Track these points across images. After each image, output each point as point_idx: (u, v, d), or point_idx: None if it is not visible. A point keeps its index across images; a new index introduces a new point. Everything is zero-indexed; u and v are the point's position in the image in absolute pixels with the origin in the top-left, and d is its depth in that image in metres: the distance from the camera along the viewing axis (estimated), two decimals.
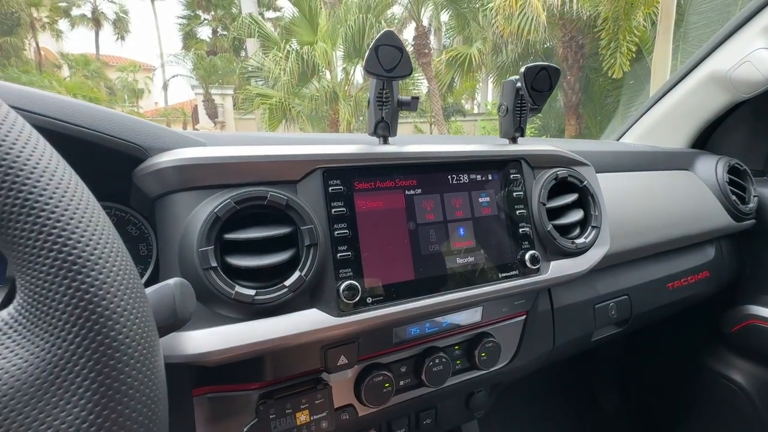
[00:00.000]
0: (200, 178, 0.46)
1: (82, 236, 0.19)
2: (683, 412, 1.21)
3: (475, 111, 16.59)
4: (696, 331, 1.16)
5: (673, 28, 5.93)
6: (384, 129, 0.57)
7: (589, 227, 0.67)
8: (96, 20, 19.60)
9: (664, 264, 0.91)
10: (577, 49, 9.41)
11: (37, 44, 16.67)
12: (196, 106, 15.30)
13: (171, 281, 0.32)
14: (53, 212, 0.19)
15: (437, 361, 0.60)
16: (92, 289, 0.19)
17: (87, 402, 0.17)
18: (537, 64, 0.60)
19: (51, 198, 0.19)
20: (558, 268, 0.62)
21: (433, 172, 0.57)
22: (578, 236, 0.66)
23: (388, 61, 0.51)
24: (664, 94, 1.10)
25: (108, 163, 0.47)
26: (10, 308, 0.19)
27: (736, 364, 1.09)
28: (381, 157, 0.54)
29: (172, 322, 0.31)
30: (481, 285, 0.56)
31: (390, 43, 0.51)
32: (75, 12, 18.82)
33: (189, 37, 19.93)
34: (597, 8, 7.54)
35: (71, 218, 0.19)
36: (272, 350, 0.46)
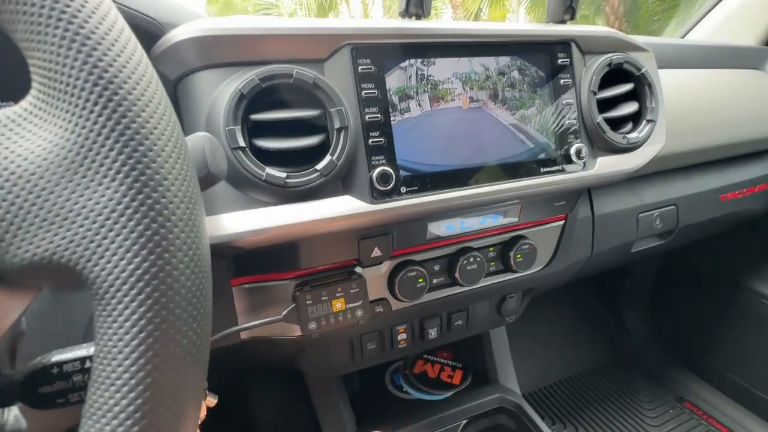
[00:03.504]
0: (220, 53, 0.43)
1: (94, 13, 0.17)
2: (718, 334, 1.20)
3: None
4: (741, 249, 1.10)
5: None
6: (417, 6, 0.51)
7: (644, 121, 0.60)
8: None
9: (717, 174, 0.84)
10: None
11: None
12: None
13: (199, 134, 0.30)
14: None
15: (471, 260, 0.58)
16: (108, 67, 0.16)
17: (120, 184, 0.16)
18: None
19: None
20: (606, 165, 0.58)
21: (472, 54, 0.52)
22: (630, 131, 0.60)
23: None
24: None
25: None
26: (22, 102, 0.17)
27: None
28: (415, 34, 0.48)
29: (205, 174, 0.29)
30: (522, 179, 0.53)
31: None
32: None
33: None
34: None
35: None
36: (307, 234, 0.46)
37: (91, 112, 0.16)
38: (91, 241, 0.16)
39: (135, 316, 0.16)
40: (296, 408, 0.93)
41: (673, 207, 0.78)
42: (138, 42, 0.20)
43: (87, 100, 0.16)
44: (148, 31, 0.43)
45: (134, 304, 0.16)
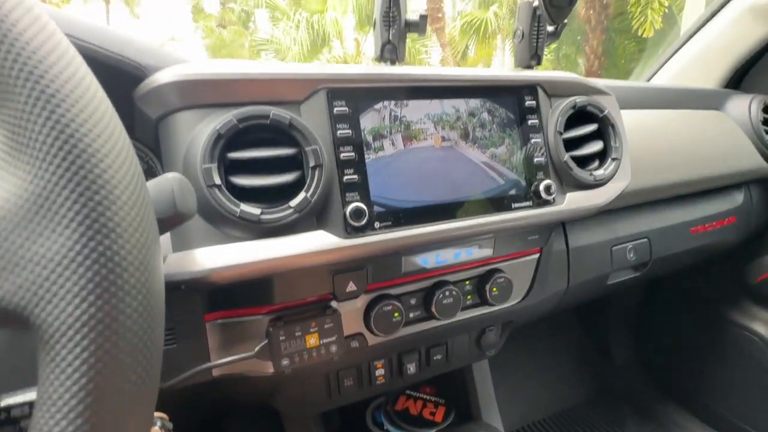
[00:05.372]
0: (201, 95, 0.45)
1: (62, 72, 0.18)
2: (701, 365, 1.20)
3: None
4: (719, 281, 1.13)
5: None
6: (391, 52, 0.55)
7: (609, 159, 0.63)
8: None
9: (687, 208, 0.87)
10: (600, 10, 8.85)
11: None
12: None
13: (169, 175, 0.31)
14: (27, 45, 0.18)
15: (447, 293, 0.59)
16: (70, 122, 0.18)
17: (73, 231, 0.17)
18: None
19: (24, 32, 0.18)
20: (574, 200, 0.60)
21: (443, 96, 0.55)
22: (597, 168, 0.63)
23: None
24: (697, 31, 1.02)
25: (109, 85, 0.46)
26: None
27: (759, 316, 1.06)
28: (389, 78, 0.51)
29: (173, 214, 0.30)
30: (494, 214, 0.55)
31: None
32: None
33: (197, 11, 19.64)
34: None
35: (48, 54, 0.18)
36: (280, 270, 0.46)
37: (50, 164, 0.17)
38: (41, 287, 0.16)
39: (78, 362, 0.16)
40: None
41: (645, 240, 0.80)
42: (104, 97, 0.21)
43: (47, 153, 0.17)
44: (131, 74, 0.45)
45: (78, 349, 0.16)
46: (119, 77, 0.45)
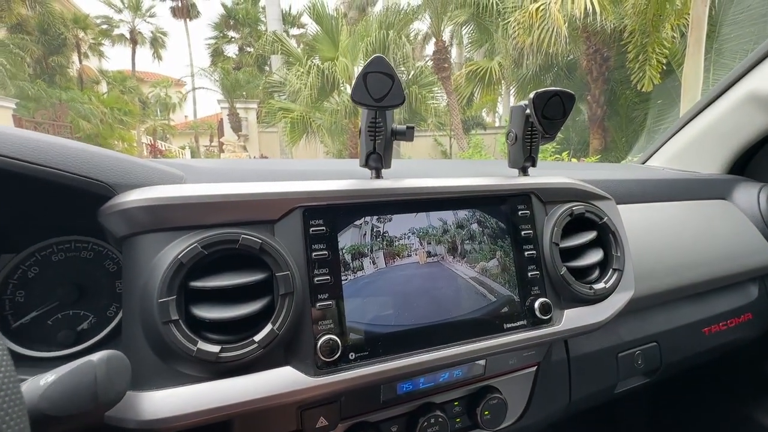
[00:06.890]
0: (169, 218, 0.42)
1: None
2: None
3: (497, 124, 16.42)
4: (739, 378, 1.03)
5: (704, 39, 5.65)
6: (376, 161, 0.53)
7: (610, 270, 0.59)
8: (133, 40, 20.70)
9: (699, 306, 0.81)
10: (602, 62, 9.17)
11: (81, 63, 17.66)
12: (221, 119, 15.78)
13: (95, 357, 0.27)
14: None
15: (433, 420, 0.53)
16: None
17: None
18: (548, 90, 0.54)
19: None
20: (573, 318, 0.55)
21: (428, 210, 0.52)
22: (597, 280, 0.58)
23: (378, 90, 0.46)
24: (697, 114, 1.00)
25: (78, 199, 0.44)
26: None
27: None
28: (368, 194, 0.49)
29: (93, 407, 0.26)
30: (483, 338, 0.50)
31: (380, 69, 0.46)
32: (114, 32, 20.03)
33: (217, 54, 20.79)
34: (622, 21, 7.31)
35: None
36: (240, 414, 0.41)
37: None
38: None
39: None
40: None
41: (654, 344, 0.74)
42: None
43: None
44: (96, 194, 0.43)
45: None
46: (84, 196, 0.43)
